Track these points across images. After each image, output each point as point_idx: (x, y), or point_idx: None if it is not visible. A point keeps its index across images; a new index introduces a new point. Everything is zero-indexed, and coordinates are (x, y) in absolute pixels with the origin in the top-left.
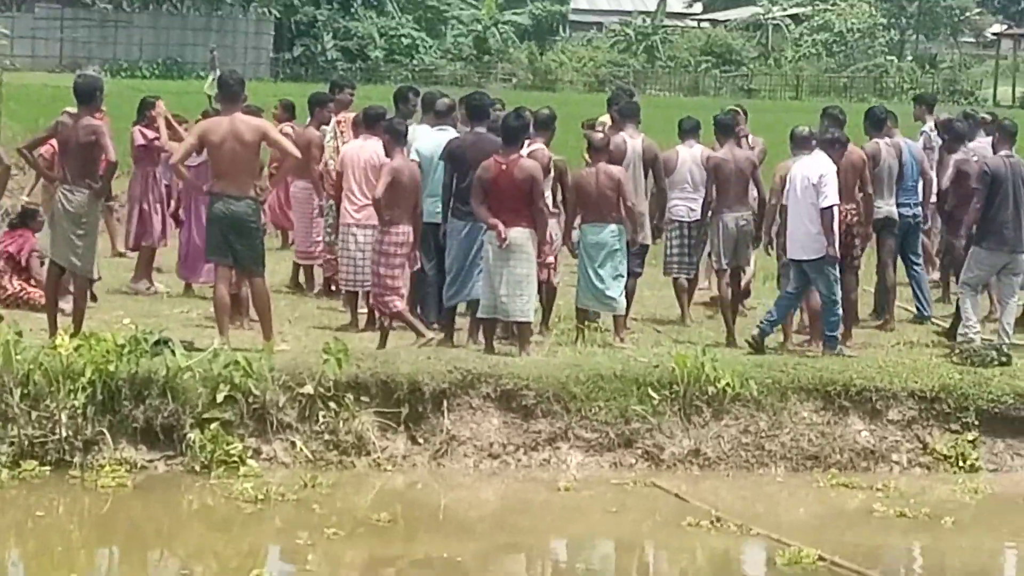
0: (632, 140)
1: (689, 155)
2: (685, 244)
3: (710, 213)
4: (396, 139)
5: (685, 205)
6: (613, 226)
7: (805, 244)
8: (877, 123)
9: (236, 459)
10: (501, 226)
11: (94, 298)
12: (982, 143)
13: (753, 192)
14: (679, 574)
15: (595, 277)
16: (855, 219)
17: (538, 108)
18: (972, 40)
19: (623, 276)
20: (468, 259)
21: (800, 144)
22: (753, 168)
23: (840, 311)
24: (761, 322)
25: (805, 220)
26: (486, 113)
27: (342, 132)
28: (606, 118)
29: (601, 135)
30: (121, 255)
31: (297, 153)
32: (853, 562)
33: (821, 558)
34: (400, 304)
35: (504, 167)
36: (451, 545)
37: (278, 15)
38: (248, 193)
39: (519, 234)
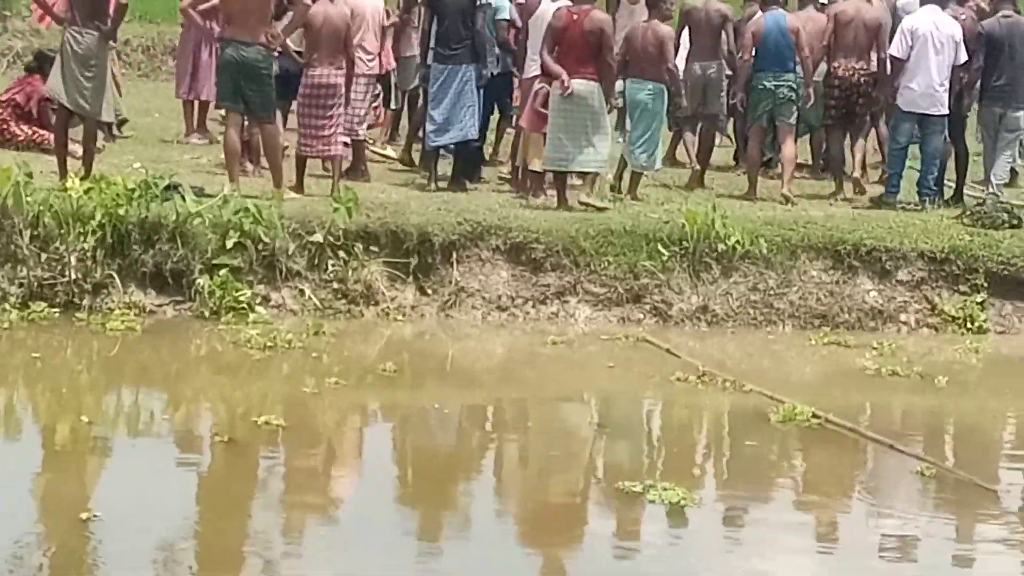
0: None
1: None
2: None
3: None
4: None
5: None
6: (654, 84)
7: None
8: None
9: (245, 306)
10: (565, 75)
11: (111, 136)
12: None
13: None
14: (674, 431)
15: (628, 131)
16: (863, 79)
17: None
18: None
19: (652, 138)
20: (452, 101)
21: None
22: (724, 20)
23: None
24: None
25: (936, 74)
26: None
27: None
28: None
29: None
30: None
31: (309, 2)
32: (847, 419)
33: (815, 415)
34: (335, 149)
35: (576, 17)
36: (456, 395)
37: None
38: (259, 39)
39: (583, 86)
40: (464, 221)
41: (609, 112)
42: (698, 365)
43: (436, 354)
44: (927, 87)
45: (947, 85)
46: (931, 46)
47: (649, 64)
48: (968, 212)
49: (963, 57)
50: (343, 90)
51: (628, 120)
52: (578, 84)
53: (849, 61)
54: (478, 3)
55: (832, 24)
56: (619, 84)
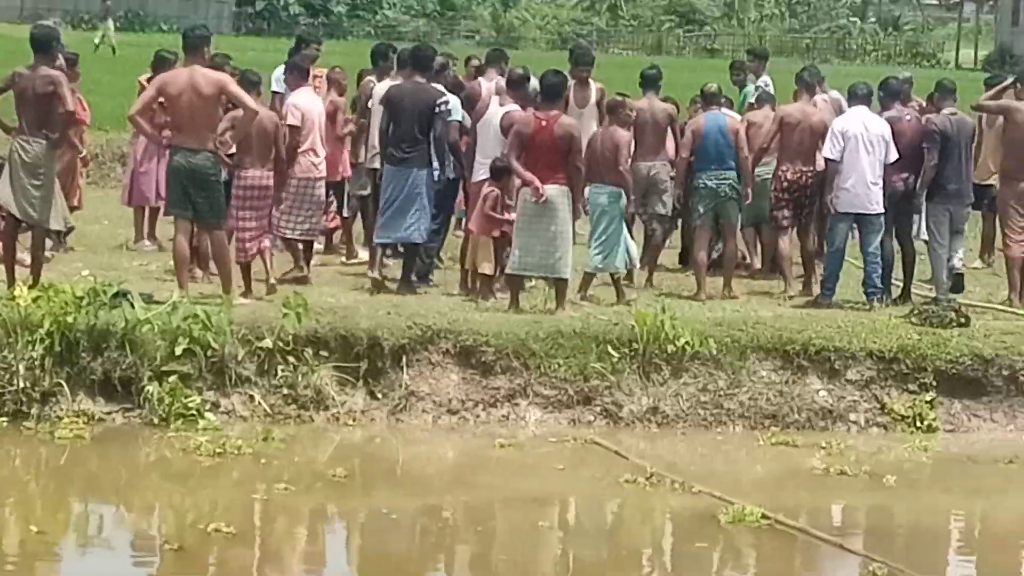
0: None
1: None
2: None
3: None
4: (247, 87)
5: None
6: (612, 188)
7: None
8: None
9: (194, 412)
10: (538, 182)
11: (60, 245)
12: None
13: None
14: (625, 534)
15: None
16: (810, 181)
17: (510, 67)
18: (935, 2)
19: (609, 240)
20: (401, 203)
21: (710, 100)
22: (670, 120)
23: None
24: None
25: (869, 174)
26: (428, 64)
27: (317, 87)
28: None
29: (619, 99)
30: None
31: (256, 107)
32: (795, 519)
33: (764, 516)
34: (265, 242)
35: (544, 123)
36: (407, 500)
37: None
38: (207, 145)
39: (554, 191)
40: (414, 325)
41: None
42: (646, 467)
43: (386, 459)
44: (860, 187)
45: (880, 183)
46: (862, 146)
47: (607, 169)
48: (916, 311)
49: (893, 156)
50: (273, 191)
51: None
52: (549, 189)
53: (796, 164)
54: (437, 110)
55: (777, 126)
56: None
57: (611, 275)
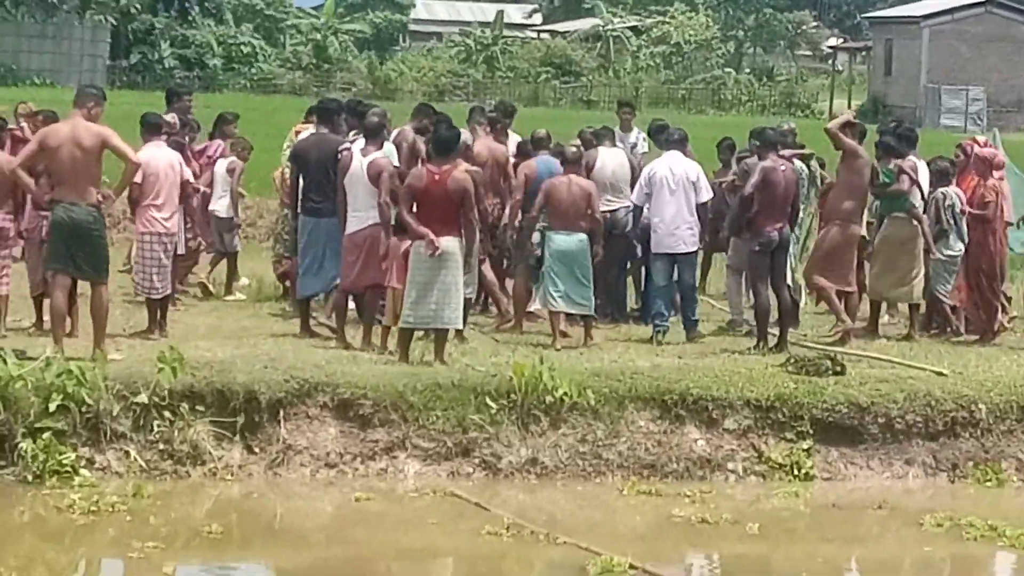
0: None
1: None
2: None
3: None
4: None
5: None
6: (582, 235)
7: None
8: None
9: (69, 469)
10: (432, 235)
11: None
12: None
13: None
14: None
15: (562, 280)
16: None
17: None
18: (809, 53)
19: (583, 284)
20: (321, 252)
21: (538, 145)
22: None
23: None
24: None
25: (677, 215)
26: (331, 117)
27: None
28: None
29: (574, 149)
30: None
31: (137, 160)
32: (663, 569)
33: (632, 566)
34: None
35: (437, 177)
36: (284, 555)
37: (114, 22)
38: (89, 199)
39: (450, 243)
40: (291, 378)
41: (537, 260)
42: (505, 518)
43: (264, 514)
44: (669, 228)
45: (691, 224)
46: (666, 189)
47: (577, 216)
48: (792, 360)
49: (704, 197)
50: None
51: (555, 271)
52: (443, 242)
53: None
54: (339, 157)
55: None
56: (536, 236)
57: (579, 316)
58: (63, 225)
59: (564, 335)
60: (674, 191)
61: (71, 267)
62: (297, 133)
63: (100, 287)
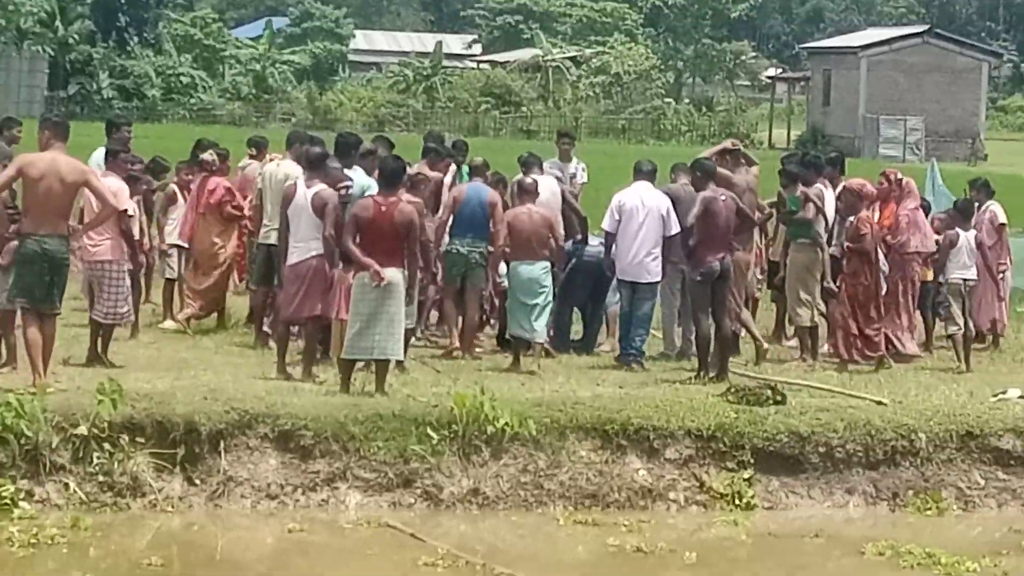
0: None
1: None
2: None
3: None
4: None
5: None
6: (544, 263)
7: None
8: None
9: (8, 501)
10: (377, 266)
11: None
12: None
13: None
14: None
15: (529, 308)
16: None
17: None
18: (748, 83)
19: (549, 307)
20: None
21: (475, 172)
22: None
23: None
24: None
25: (642, 246)
26: (349, 152)
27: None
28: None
29: (531, 180)
30: None
31: (115, 203)
32: None
33: None
34: None
35: (384, 208)
36: None
37: (52, 53)
38: (61, 231)
39: (395, 274)
40: (231, 409)
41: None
42: (439, 547)
43: (205, 545)
44: (633, 257)
45: (656, 254)
46: (635, 219)
47: (540, 245)
48: (733, 389)
49: (673, 230)
50: None
51: (520, 299)
52: (388, 272)
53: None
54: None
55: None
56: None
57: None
58: (37, 258)
59: (549, 354)
60: (642, 222)
61: (43, 299)
62: (241, 169)
63: (55, 317)
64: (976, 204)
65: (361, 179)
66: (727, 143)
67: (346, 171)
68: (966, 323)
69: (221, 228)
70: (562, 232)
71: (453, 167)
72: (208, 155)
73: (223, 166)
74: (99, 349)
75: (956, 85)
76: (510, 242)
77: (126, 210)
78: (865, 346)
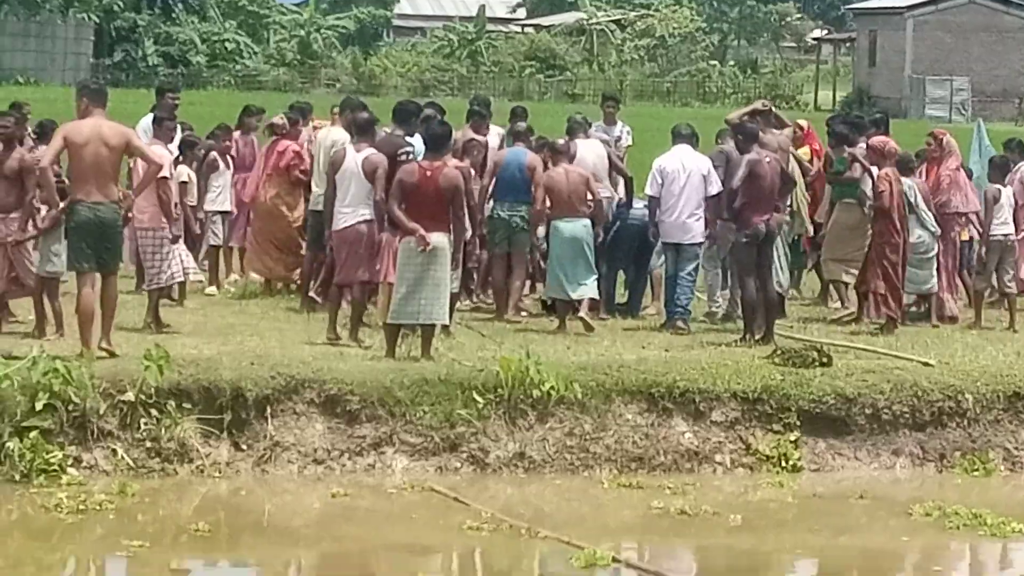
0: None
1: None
2: None
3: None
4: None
5: None
6: (585, 220)
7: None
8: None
9: (56, 468)
10: (423, 231)
11: None
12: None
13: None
14: None
15: (571, 267)
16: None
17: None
18: (793, 45)
19: (592, 268)
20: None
21: (517, 137)
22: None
23: None
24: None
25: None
26: (408, 119)
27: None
28: None
29: (562, 141)
30: None
31: (159, 162)
32: (644, 561)
33: (615, 559)
34: None
35: (429, 174)
36: (273, 551)
37: (98, 20)
38: (112, 197)
39: (440, 239)
40: (278, 375)
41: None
42: (484, 511)
43: (252, 510)
44: (676, 218)
45: (699, 215)
46: (677, 182)
47: (579, 202)
48: (779, 351)
49: (714, 189)
50: None
51: (560, 258)
52: (433, 237)
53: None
54: (402, 158)
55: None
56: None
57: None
58: (90, 225)
59: (589, 327)
60: (684, 184)
61: (96, 264)
62: (316, 129)
63: (113, 277)
64: (1011, 163)
65: (421, 146)
66: (757, 103)
67: (407, 138)
68: (1000, 281)
69: (287, 190)
70: (610, 193)
71: (501, 131)
72: (279, 118)
73: (294, 130)
74: (151, 316)
75: (1003, 44)
76: (550, 202)
77: (166, 178)
78: (882, 303)
